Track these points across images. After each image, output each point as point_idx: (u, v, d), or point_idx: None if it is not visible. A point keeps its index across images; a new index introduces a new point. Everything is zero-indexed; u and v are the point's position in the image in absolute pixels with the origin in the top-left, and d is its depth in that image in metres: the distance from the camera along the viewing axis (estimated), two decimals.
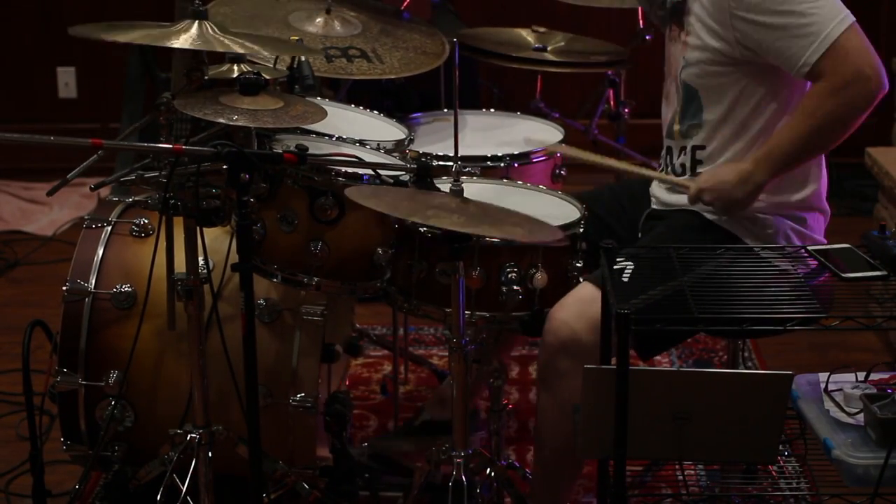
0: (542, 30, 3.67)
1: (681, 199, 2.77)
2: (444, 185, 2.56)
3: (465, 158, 2.93)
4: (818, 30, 2.55)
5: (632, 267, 2.51)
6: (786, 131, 2.64)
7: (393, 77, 3.26)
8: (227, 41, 2.54)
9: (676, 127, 2.80)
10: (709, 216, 2.74)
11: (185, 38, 2.51)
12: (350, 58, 3.14)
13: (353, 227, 2.68)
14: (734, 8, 2.61)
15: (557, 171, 3.12)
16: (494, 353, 2.87)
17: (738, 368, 3.25)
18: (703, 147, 2.76)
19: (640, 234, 2.86)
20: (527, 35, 3.66)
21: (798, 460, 2.59)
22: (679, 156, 2.80)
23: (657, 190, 2.87)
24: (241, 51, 2.57)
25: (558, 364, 2.64)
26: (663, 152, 2.87)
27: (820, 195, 2.78)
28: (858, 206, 4.93)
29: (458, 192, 2.48)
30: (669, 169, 2.82)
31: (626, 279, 2.48)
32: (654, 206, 2.86)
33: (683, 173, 2.79)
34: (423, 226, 2.38)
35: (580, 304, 2.63)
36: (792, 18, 2.56)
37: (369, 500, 3.07)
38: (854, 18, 2.58)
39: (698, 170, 2.76)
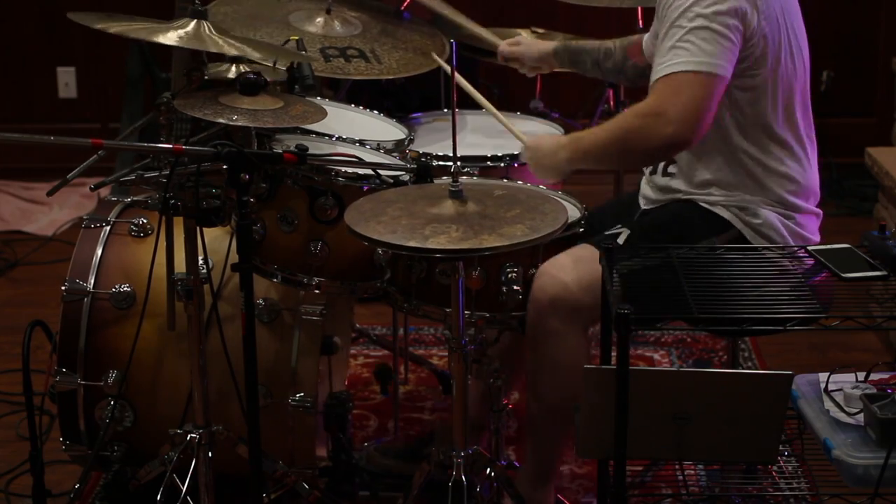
0: (541, 31, 3.67)
1: (669, 196, 2.76)
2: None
3: (465, 158, 2.93)
4: (681, 58, 2.49)
5: (627, 232, 2.49)
6: (598, 129, 2.65)
7: (392, 77, 3.26)
8: (220, 41, 2.55)
9: None
10: (702, 204, 2.72)
11: (179, 35, 2.52)
12: (348, 58, 3.14)
13: None
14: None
15: None
16: (502, 361, 2.85)
17: (738, 368, 3.25)
18: None
19: None
20: (526, 35, 3.65)
21: (798, 460, 2.59)
22: None
23: (646, 190, 2.85)
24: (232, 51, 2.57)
25: (547, 324, 2.62)
26: None
27: (802, 193, 2.72)
28: (858, 206, 4.92)
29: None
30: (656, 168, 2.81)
31: (620, 242, 2.49)
32: (643, 207, 2.84)
33: (657, 173, 2.79)
34: (423, 251, 2.37)
35: (573, 262, 2.61)
36: (675, 39, 2.52)
37: (369, 500, 3.07)
38: (725, 77, 2.50)
39: (670, 169, 2.75)
